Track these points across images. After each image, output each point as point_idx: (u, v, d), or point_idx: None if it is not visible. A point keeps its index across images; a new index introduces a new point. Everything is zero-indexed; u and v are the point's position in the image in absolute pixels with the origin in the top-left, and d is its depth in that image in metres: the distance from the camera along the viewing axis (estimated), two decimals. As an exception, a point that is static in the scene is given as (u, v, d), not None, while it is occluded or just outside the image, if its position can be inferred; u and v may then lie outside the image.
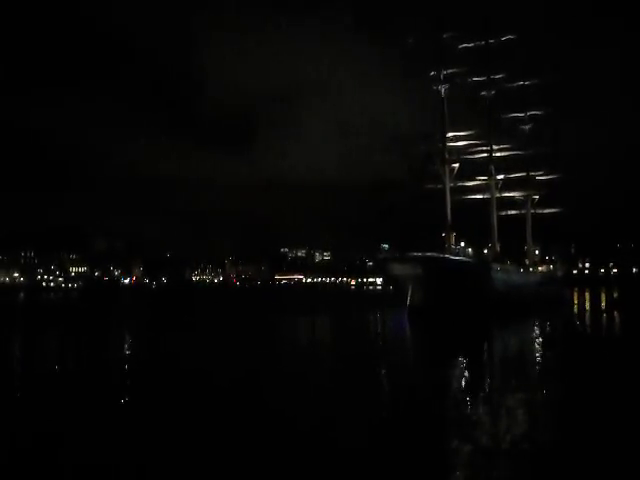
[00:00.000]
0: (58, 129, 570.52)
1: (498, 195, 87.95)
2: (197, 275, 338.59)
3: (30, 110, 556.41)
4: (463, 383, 25.38)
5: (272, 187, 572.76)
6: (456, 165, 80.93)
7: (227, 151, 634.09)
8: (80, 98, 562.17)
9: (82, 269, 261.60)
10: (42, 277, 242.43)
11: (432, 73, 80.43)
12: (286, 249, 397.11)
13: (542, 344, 39.46)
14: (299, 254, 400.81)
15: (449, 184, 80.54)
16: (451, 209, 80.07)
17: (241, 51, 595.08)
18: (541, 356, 33.43)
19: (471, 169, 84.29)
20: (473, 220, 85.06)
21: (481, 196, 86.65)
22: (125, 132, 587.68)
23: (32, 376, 28.23)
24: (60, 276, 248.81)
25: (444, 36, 79.00)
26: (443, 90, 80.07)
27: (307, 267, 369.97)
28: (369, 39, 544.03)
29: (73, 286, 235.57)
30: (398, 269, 69.26)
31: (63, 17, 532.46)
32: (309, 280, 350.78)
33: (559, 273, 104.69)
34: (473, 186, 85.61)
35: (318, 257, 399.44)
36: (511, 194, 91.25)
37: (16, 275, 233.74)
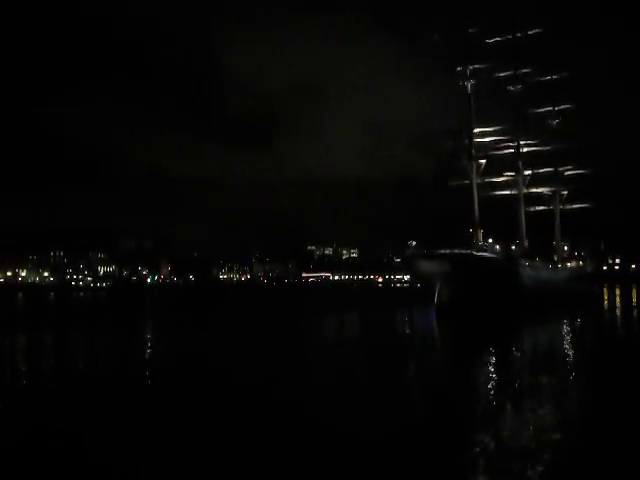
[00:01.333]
0: (84, 130, 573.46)
1: (526, 191, 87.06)
2: (224, 274, 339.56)
3: (57, 111, 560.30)
4: (491, 382, 25.00)
5: (295, 185, 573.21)
6: (483, 161, 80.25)
7: (250, 150, 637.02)
8: (106, 99, 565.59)
9: (110, 268, 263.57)
10: (71, 277, 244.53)
11: (458, 69, 79.78)
12: (313, 247, 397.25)
13: (572, 342, 38.91)
14: (326, 252, 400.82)
15: (476, 180, 79.86)
16: (478, 205, 79.35)
17: (261, 50, 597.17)
18: (572, 355, 32.93)
19: (498, 165, 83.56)
20: (501, 216, 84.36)
21: (509, 192, 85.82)
22: (149, 133, 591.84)
23: (63, 374, 28.29)
24: (89, 275, 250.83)
25: (470, 31, 78.35)
26: (469, 86, 79.39)
27: (334, 265, 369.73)
28: (389, 35, 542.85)
29: (101, 285, 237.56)
30: (425, 266, 68.77)
31: (88, 18, 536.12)
32: (336, 278, 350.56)
33: (588, 269, 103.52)
34: (500, 182, 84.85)
35: (345, 254, 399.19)
36: (539, 190, 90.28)
37: (46, 275, 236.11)
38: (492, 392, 22.73)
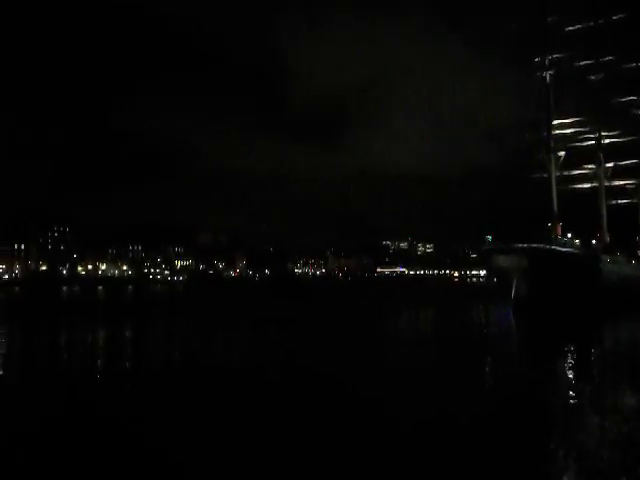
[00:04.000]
0: (156, 127, 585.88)
1: (607, 184, 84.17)
2: (299, 268, 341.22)
3: (128, 107, 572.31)
4: (570, 380, 23.98)
5: (364, 179, 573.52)
6: (562, 153, 78.18)
7: (318, 145, 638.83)
8: (179, 99, 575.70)
9: (187, 262, 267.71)
10: (149, 270, 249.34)
11: (536, 59, 77.80)
12: (388, 242, 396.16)
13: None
14: (401, 246, 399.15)
15: (555, 173, 77.83)
16: (557, 199, 77.33)
17: (326, 46, 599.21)
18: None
19: (578, 157, 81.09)
20: (581, 210, 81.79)
21: (589, 185, 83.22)
22: (219, 130, 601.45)
23: (138, 366, 28.40)
24: (166, 269, 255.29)
25: (549, 19, 76.20)
26: (548, 76, 77.31)
27: (409, 259, 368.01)
28: (454, 29, 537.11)
29: (178, 279, 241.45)
30: (502, 261, 67.48)
31: (157, 17, 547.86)
32: (411, 272, 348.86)
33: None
34: (580, 175, 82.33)
35: (420, 249, 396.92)
36: (621, 182, 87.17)
37: (125, 268, 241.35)
38: (572, 392, 21.69)
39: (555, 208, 76.88)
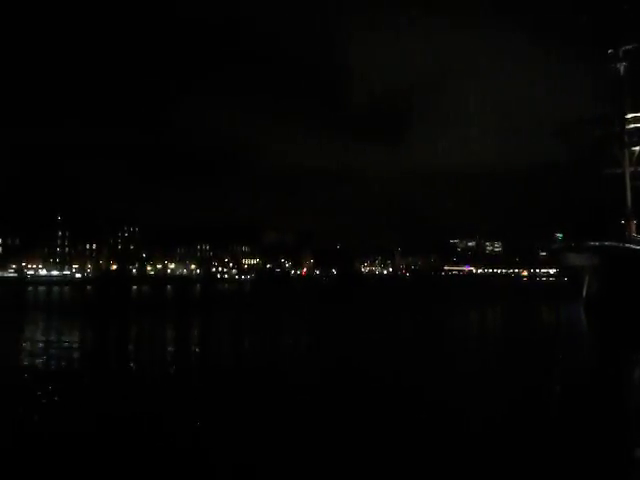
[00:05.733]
0: (219, 126, 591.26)
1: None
2: (366, 267, 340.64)
3: (196, 108, 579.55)
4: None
5: (428, 177, 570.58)
6: (637, 148, 75.71)
7: (382, 144, 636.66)
8: (246, 99, 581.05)
9: (254, 261, 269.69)
10: (216, 269, 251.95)
11: (610, 51, 75.51)
12: (456, 240, 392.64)
13: None
14: (469, 244, 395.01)
15: (629, 169, 75.42)
16: (631, 195, 74.94)
17: (384, 45, 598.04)
18: None
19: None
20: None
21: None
22: (282, 130, 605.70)
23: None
24: (233, 268, 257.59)
25: (625, 8, 73.81)
26: (622, 68, 74.95)
27: (477, 258, 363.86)
28: (516, 25, 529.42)
29: (246, 277, 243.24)
30: (574, 259, 65.82)
31: (222, 17, 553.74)
32: (479, 271, 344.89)
33: None
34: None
35: (488, 248, 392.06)
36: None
37: (193, 267, 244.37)
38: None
39: (629, 204, 74.54)
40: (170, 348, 34.77)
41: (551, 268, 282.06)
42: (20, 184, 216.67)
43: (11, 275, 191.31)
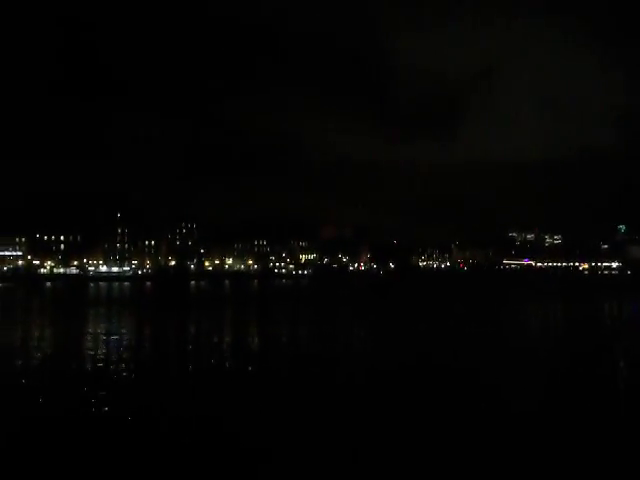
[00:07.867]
0: (266, 120, 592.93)
1: None
2: (424, 260, 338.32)
3: (253, 107, 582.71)
4: None
5: (479, 168, 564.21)
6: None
7: (432, 138, 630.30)
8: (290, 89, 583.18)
9: (311, 256, 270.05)
10: (274, 264, 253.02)
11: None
12: (514, 233, 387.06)
13: None
14: (528, 237, 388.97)
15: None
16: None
17: (435, 38, 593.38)
18: None
19: None
20: None
21: None
22: (339, 126, 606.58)
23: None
24: (290, 263, 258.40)
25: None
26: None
27: (536, 251, 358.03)
28: (565, 14, 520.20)
29: (303, 273, 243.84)
30: (638, 252, 64.13)
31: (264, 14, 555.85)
32: (539, 264, 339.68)
33: None
34: None
35: (548, 240, 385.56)
36: None
37: (250, 262, 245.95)
38: None
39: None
40: (238, 337, 34.97)
41: (613, 261, 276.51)
42: (81, 182, 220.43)
43: (74, 272, 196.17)
